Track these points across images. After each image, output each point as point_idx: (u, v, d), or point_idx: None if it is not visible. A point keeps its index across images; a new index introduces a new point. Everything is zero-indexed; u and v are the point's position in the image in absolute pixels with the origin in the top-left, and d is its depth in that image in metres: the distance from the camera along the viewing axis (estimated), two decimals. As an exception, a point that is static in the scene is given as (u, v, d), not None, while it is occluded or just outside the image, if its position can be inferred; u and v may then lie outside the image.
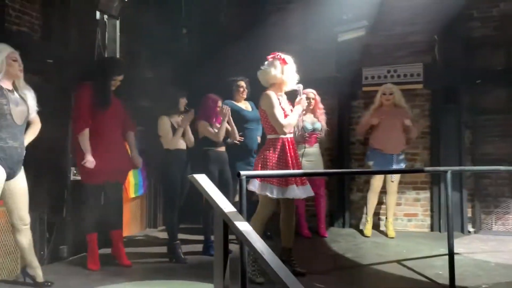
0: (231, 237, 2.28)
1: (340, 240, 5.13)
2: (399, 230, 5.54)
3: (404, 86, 5.58)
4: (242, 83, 4.82)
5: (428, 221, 5.61)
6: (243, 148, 4.72)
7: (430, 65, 5.57)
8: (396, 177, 5.25)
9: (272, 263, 1.92)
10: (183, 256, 4.18)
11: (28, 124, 3.35)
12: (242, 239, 2.13)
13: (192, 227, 5.16)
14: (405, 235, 5.30)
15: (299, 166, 3.65)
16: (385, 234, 5.32)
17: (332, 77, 5.80)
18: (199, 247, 4.50)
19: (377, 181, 5.26)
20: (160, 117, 4.31)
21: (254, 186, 3.46)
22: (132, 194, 5.23)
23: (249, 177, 2.45)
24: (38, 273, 3.38)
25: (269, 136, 3.59)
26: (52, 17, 4.17)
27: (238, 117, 4.69)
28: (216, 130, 4.42)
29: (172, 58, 5.47)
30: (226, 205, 2.27)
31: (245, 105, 4.89)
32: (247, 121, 4.77)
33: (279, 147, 3.51)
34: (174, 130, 4.29)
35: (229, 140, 4.59)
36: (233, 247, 3.35)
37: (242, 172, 2.34)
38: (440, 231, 5.42)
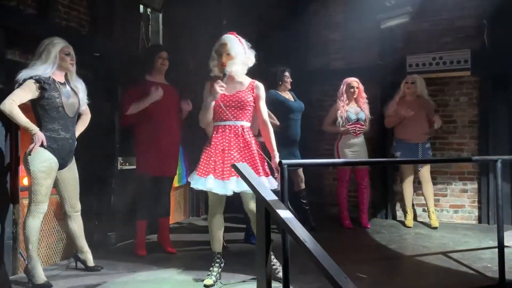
0: (271, 226, 2.30)
1: (383, 231, 5.06)
2: (445, 221, 5.41)
3: (451, 73, 5.43)
4: (287, 73, 4.82)
5: (475, 212, 5.43)
6: (287, 138, 4.74)
7: (478, 51, 5.35)
8: (426, 165, 5.14)
9: (315, 252, 1.92)
10: (225, 244, 4.25)
11: (79, 116, 3.50)
12: (284, 227, 2.15)
13: (234, 216, 5.23)
14: (450, 227, 5.17)
15: (225, 158, 3.17)
16: (428, 225, 5.20)
17: (375, 65, 5.70)
18: (240, 235, 4.58)
19: (406, 171, 5.20)
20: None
21: (198, 182, 3.19)
22: (176, 183, 5.36)
23: (291, 166, 2.46)
24: (89, 257, 3.55)
25: None
26: (98, 12, 4.31)
27: (283, 107, 4.70)
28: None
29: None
30: (267, 193, 2.29)
31: (287, 95, 4.88)
32: (292, 111, 4.77)
33: (215, 135, 3.22)
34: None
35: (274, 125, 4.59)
36: (274, 236, 3.37)
37: (284, 161, 2.35)
38: (488, 223, 5.25)
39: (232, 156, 3.14)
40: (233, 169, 2.94)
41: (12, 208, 3.44)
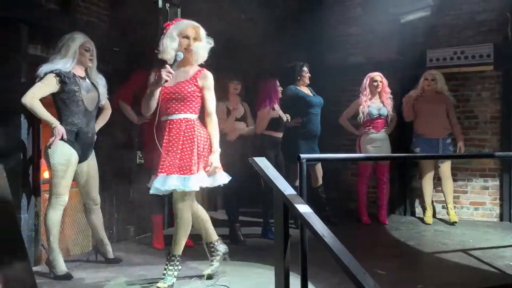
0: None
1: (401, 227, 5.00)
2: (465, 219, 5.32)
3: (472, 68, 5.33)
4: (306, 69, 4.79)
5: (497, 210, 5.32)
6: (307, 133, 4.73)
7: (501, 45, 5.23)
8: (446, 161, 5.06)
9: (334, 247, 1.92)
10: (242, 238, 4.27)
11: (99, 111, 3.54)
12: (302, 222, 2.14)
13: (251, 211, 5.24)
14: (471, 224, 5.09)
15: (180, 152, 2.94)
16: (447, 222, 5.13)
17: (395, 60, 5.62)
18: (258, 230, 4.58)
19: (426, 167, 5.12)
20: (216, 103, 4.38)
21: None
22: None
23: (309, 160, 2.44)
24: (109, 250, 3.60)
25: None
26: (117, 6, 4.34)
27: (303, 102, 4.69)
28: (279, 112, 4.43)
29: (231, 44, 5.51)
30: (286, 188, 2.29)
31: (306, 90, 4.86)
32: (311, 106, 4.75)
33: (166, 130, 3.00)
34: (229, 114, 4.35)
35: (288, 123, 4.57)
36: (291, 231, 3.36)
37: (302, 156, 2.33)
38: (510, 221, 5.16)
39: (165, 153, 2.93)
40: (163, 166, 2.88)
41: (34, 201, 3.51)
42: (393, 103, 5.10)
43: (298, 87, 4.80)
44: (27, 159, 3.47)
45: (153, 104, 2.93)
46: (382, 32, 5.58)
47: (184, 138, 2.93)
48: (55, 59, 3.27)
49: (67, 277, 3.19)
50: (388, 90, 5.04)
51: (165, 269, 3.00)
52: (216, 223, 5.13)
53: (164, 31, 2.97)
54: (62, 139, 3.21)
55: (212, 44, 3.05)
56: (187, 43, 2.95)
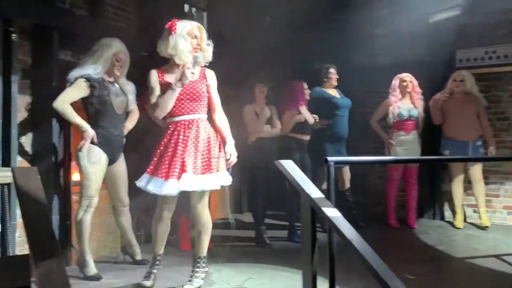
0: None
1: (430, 231, 4.90)
2: (497, 223, 5.17)
3: (504, 68, 5.18)
4: (333, 70, 4.77)
5: (531, 215, 5.16)
6: (333, 135, 4.70)
7: (535, 44, 5.07)
8: (476, 164, 4.93)
9: (363, 251, 1.89)
10: (268, 241, 4.26)
11: (127, 114, 3.60)
12: (330, 226, 2.12)
13: (277, 213, 5.23)
14: (504, 229, 4.94)
15: (184, 154, 2.85)
16: (478, 226, 5.00)
17: (423, 61, 5.50)
18: (284, 233, 4.56)
19: (456, 170, 5.00)
20: (244, 106, 4.40)
21: (142, 180, 2.93)
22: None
23: (337, 163, 2.42)
24: (137, 251, 3.65)
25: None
26: (145, 12, 4.41)
27: (329, 104, 4.66)
28: (305, 116, 4.41)
29: (257, 48, 5.53)
30: (313, 191, 2.27)
31: (333, 92, 4.84)
32: (338, 108, 4.72)
33: (166, 132, 2.93)
34: (257, 116, 4.35)
35: (316, 122, 4.54)
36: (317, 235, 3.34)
37: (329, 158, 2.31)
38: (545, 226, 4.98)
39: (187, 153, 2.84)
40: (183, 166, 2.79)
41: (65, 203, 3.59)
42: (425, 104, 4.99)
43: (325, 89, 4.78)
44: (58, 162, 3.56)
45: (171, 105, 2.88)
46: (410, 32, 5.48)
47: (202, 138, 2.89)
48: (86, 62, 3.34)
49: (97, 277, 3.25)
50: (418, 90, 4.96)
51: (192, 272, 3.03)
52: (242, 225, 5.19)
53: (172, 32, 2.86)
54: (92, 142, 3.28)
55: (212, 46, 3.02)
56: (196, 43, 2.94)
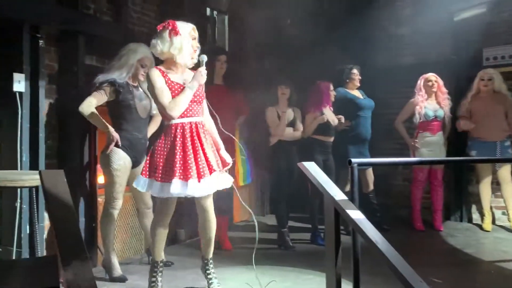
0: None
1: (457, 234, 4.79)
2: (528, 226, 5.01)
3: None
4: (356, 71, 4.73)
5: None
6: (356, 137, 4.65)
7: None
8: (504, 165, 4.79)
9: (388, 254, 1.86)
10: (291, 244, 4.25)
11: (151, 118, 3.64)
12: (354, 228, 2.10)
13: (300, 216, 5.21)
14: (535, 233, 4.79)
15: (196, 157, 2.81)
16: (508, 229, 4.86)
17: (448, 60, 5.41)
18: (307, 236, 4.54)
19: (483, 172, 4.87)
20: (267, 108, 4.40)
21: (138, 182, 2.89)
22: (240, 183, 5.41)
23: (360, 165, 2.39)
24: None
25: (164, 123, 3.00)
26: (167, 16, 4.45)
27: (352, 105, 4.62)
28: (327, 117, 4.39)
29: (278, 49, 5.54)
30: (337, 193, 2.25)
31: (357, 93, 4.79)
32: (362, 109, 4.67)
33: (171, 134, 2.84)
34: (279, 118, 4.34)
35: (340, 123, 4.50)
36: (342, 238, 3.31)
37: (353, 160, 2.29)
38: None
39: (207, 152, 2.85)
40: (209, 166, 2.80)
41: (90, 205, 3.65)
42: (451, 104, 4.89)
43: (347, 90, 4.73)
44: (84, 165, 3.62)
45: (187, 104, 2.85)
46: (434, 31, 5.39)
47: (205, 140, 2.89)
48: (112, 67, 3.39)
49: (122, 279, 3.30)
50: (444, 90, 4.86)
51: (208, 275, 3.04)
52: (264, 228, 5.18)
53: (176, 32, 2.83)
54: (116, 145, 3.33)
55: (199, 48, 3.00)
56: (196, 45, 2.94)
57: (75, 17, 3.51)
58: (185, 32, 2.87)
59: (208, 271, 3.06)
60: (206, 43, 4.89)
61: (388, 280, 2.92)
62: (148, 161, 2.89)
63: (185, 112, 2.86)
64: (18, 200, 3.09)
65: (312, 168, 2.44)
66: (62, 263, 1.41)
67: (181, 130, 2.83)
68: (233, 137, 4.20)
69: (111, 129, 3.32)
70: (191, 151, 2.80)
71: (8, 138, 3.15)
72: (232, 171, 5.07)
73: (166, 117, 2.87)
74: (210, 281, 3.04)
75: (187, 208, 4.43)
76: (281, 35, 5.85)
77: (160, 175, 2.79)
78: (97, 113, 3.28)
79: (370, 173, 4.84)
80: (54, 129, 3.53)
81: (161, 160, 2.82)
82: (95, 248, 3.66)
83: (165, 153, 2.82)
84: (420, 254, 3.91)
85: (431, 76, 4.83)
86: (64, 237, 1.52)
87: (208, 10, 4.98)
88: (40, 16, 3.25)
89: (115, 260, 3.35)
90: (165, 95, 2.81)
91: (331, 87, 4.51)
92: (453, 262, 3.84)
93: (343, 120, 4.50)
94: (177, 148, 2.79)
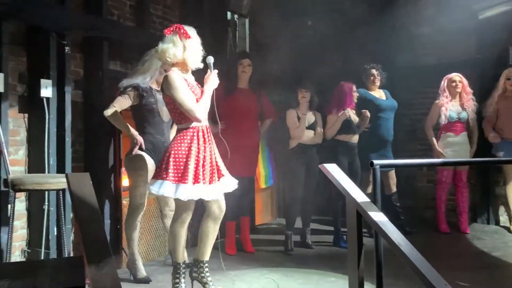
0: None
1: (484, 237, 4.68)
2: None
3: None
4: (374, 71, 4.68)
5: None
6: (378, 138, 4.60)
7: None
8: None
9: (412, 256, 1.84)
10: (290, 247, 4.22)
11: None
12: (377, 230, 2.08)
13: (323, 218, 5.18)
14: None
15: (211, 161, 2.90)
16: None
17: (472, 59, 5.30)
18: (330, 238, 4.52)
19: (511, 173, 4.75)
20: (287, 110, 4.40)
21: (152, 185, 2.86)
22: (262, 185, 5.43)
23: (382, 166, 2.37)
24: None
25: (178, 126, 2.95)
26: (189, 20, 4.51)
27: (372, 106, 4.57)
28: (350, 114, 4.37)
29: (299, 51, 5.53)
30: (359, 195, 2.23)
31: (378, 94, 4.74)
32: (382, 110, 4.62)
33: (188, 138, 2.84)
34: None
35: (363, 122, 4.47)
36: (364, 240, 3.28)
37: (375, 162, 2.27)
38: None
39: (216, 157, 2.97)
40: (219, 171, 2.90)
41: (115, 207, 3.73)
42: (477, 105, 4.79)
43: (368, 90, 4.69)
44: (109, 168, 3.70)
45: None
46: (458, 30, 5.29)
47: (214, 144, 2.97)
48: (137, 72, 3.45)
49: (146, 280, 3.35)
50: (469, 90, 4.75)
51: (202, 278, 2.98)
52: (274, 230, 5.17)
53: (186, 36, 2.85)
54: (140, 148, 3.38)
55: None
56: (201, 49, 2.97)
57: (99, 23, 3.58)
58: (194, 35, 2.91)
59: (202, 274, 2.99)
60: (227, 47, 4.93)
61: (412, 284, 2.89)
62: (163, 164, 2.85)
63: (187, 117, 2.88)
64: (46, 203, 3.17)
65: (334, 170, 2.43)
66: (88, 263, 1.44)
67: (197, 134, 2.86)
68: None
69: (135, 133, 3.38)
70: (206, 155, 2.85)
71: (36, 142, 3.24)
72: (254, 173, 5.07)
73: (188, 119, 2.85)
74: (206, 285, 2.97)
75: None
76: (302, 36, 5.84)
77: (174, 177, 2.79)
78: (122, 117, 3.35)
79: (392, 175, 4.78)
80: (80, 133, 3.61)
81: (177, 163, 2.80)
82: (120, 250, 3.72)
83: (181, 156, 2.81)
84: (446, 257, 3.84)
85: (455, 76, 4.74)
86: (90, 238, 1.56)
87: (228, 14, 5.01)
88: (66, 24, 3.34)
89: (139, 262, 3.40)
90: (190, 98, 2.82)
91: (354, 88, 4.48)
92: (480, 265, 3.75)
93: (368, 114, 4.43)
94: (193, 151, 2.81)
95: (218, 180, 2.93)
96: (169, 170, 2.80)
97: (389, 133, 4.65)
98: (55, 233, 3.20)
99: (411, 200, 5.51)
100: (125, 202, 3.74)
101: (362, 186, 4.38)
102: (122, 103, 3.36)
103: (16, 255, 3.16)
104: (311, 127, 4.37)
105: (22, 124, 3.24)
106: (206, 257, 3.03)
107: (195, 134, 2.85)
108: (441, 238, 4.71)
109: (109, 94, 3.56)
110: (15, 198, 2.88)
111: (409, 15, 5.79)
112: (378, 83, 4.71)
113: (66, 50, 3.35)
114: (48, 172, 3.20)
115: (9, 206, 2.89)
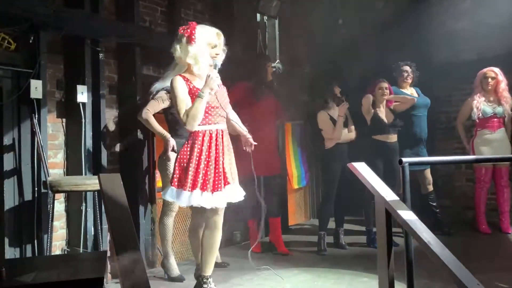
0: (396, 229, 2.20)
1: (528, 237, 4.49)
2: None
3: None
4: (407, 68, 4.59)
5: None
6: (412, 136, 4.51)
7: None
8: None
9: (442, 255, 1.79)
10: (323, 248, 4.18)
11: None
12: (406, 229, 2.04)
13: (357, 219, 5.12)
14: None
15: (217, 167, 2.72)
16: None
17: (511, 53, 5.09)
18: (363, 238, 4.46)
19: None
20: (318, 112, 4.36)
21: (163, 190, 2.85)
22: (295, 185, 5.43)
23: (412, 164, 2.32)
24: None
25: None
26: (219, 23, 4.57)
27: None
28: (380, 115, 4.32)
29: (330, 51, 5.48)
30: (388, 193, 2.20)
31: (410, 91, 4.65)
32: (416, 108, 4.52)
33: (191, 142, 2.73)
34: (334, 122, 4.29)
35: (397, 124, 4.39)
36: (399, 240, 3.22)
37: (404, 159, 2.22)
38: None
39: (225, 164, 2.75)
40: (225, 178, 2.72)
41: (150, 208, 3.82)
42: None
43: (400, 88, 4.60)
44: (144, 170, 3.80)
45: (203, 114, 2.69)
46: (496, 23, 5.09)
47: (228, 149, 2.81)
48: (168, 76, 3.52)
49: (180, 279, 3.42)
50: (504, 86, 4.57)
51: None
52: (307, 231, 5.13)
53: (192, 41, 2.74)
54: (173, 150, 3.46)
55: (226, 51, 2.92)
56: (215, 52, 2.81)
57: (131, 30, 3.69)
58: (202, 40, 2.75)
59: None
60: (257, 48, 4.95)
61: (447, 284, 2.81)
62: (173, 169, 2.82)
63: (207, 120, 2.73)
64: (83, 204, 3.30)
65: (362, 169, 2.40)
66: (118, 259, 1.50)
67: (201, 138, 2.71)
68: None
69: (168, 135, 3.46)
70: (209, 161, 2.70)
71: (74, 145, 3.37)
72: (286, 174, 5.09)
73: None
74: None
75: (242, 212, 4.52)
76: (333, 36, 5.79)
77: (175, 183, 2.72)
78: (155, 120, 3.43)
79: (428, 174, 4.65)
80: (116, 137, 3.73)
81: (181, 168, 2.72)
82: (154, 249, 3.81)
83: (185, 161, 2.71)
84: (486, 258, 3.71)
85: (489, 71, 4.57)
86: (120, 236, 1.61)
87: (258, 15, 5.04)
88: (100, 31, 3.47)
89: (173, 261, 3.48)
90: (183, 107, 2.68)
91: (387, 85, 4.39)
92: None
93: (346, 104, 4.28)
94: (195, 157, 2.68)
95: (224, 188, 2.71)
96: (174, 176, 2.75)
97: (423, 131, 4.55)
98: (93, 233, 3.32)
99: (450, 199, 5.36)
100: (160, 202, 3.83)
101: (398, 186, 4.29)
102: (154, 106, 3.44)
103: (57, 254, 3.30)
104: (344, 125, 4.33)
105: (60, 128, 3.39)
106: (207, 271, 2.84)
107: (200, 138, 2.71)
108: (481, 238, 4.55)
109: (143, 98, 3.66)
110: (54, 199, 3.02)
111: (446, 9, 5.64)
112: (410, 81, 4.61)
113: (100, 57, 3.47)
114: (85, 174, 3.32)
115: (49, 206, 3.02)
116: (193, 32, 2.75)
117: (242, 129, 3.04)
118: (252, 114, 3.98)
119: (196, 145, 2.70)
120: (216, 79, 2.68)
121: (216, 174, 2.71)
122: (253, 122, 3.95)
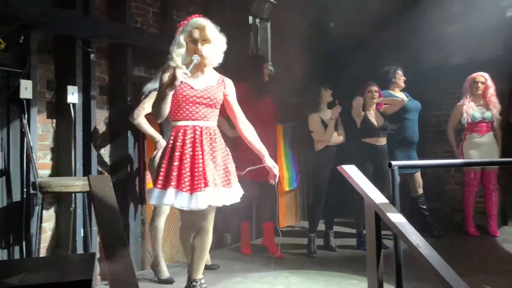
0: (385, 232, 2.22)
1: (515, 240, 4.54)
2: None
3: None
4: (400, 71, 4.63)
5: None
6: (403, 140, 4.55)
7: None
8: None
9: (430, 257, 1.81)
10: (312, 250, 4.19)
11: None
12: (396, 232, 2.06)
13: (346, 221, 5.14)
14: None
15: (196, 165, 2.52)
16: None
17: (500, 57, 5.16)
18: (353, 241, 4.47)
19: None
20: (309, 114, 4.37)
21: (165, 196, 2.56)
22: (286, 188, 5.44)
23: (401, 167, 2.34)
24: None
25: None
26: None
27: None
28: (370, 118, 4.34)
29: (321, 53, 5.52)
30: (377, 196, 2.21)
31: (401, 95, 4.68)
32: (407, 111, 4.56)
33: (171, 138, 2.59)
34: (325, 125, 4.30)
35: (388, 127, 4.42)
36: (388, 243, 3.24)
37: (393, 162, 2.24)
38: None
39: (206, 163, 2.54)
40: (205, 179, 2.49)
41: (140, 209, 3.81)
42: (501, 105, 4.65)
43: (392, 92, 4.64)
44: (134, 171, 3.78)
45: (167, 108, 2.54)
46: (485, 28, 5.15)
47: (219, 148, 2.64)
48: (159, 77, 3.51)
49: (170, 281, 3.40)
50: (493, 91, 4.62)
51: None
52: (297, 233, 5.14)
53: (177, 31, 2.69)
54: (163, 152, 3.44)
55: (224, 45, 2.73)
56: (195, 48, 2.61)
57: (123, 31, 3.68)
58: (179, 37, 2.64)
59: None
60: (249, 51, 4.96)
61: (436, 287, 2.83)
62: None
63: (189, 114, 2.59)
64: (73, 205, 3.27)
65: (352, 171, 2.42)
66: (106, 260, 1.49)
67: (182, 134, 2.56)
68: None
69: (158, 136, 3.45)
70: (188, 159, 2.52)
71: (63, 146, 3.35)
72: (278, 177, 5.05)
73: (173, 117, 2.64)
74: None
75: (233, 214, 4.51)
76: (325, 38, 5.82)
77: (158, 182, 2.53)
78: (146, 121, 3.42)
79: (418, 177, 4.69)
80: (106, 138, 3.71)
81: (162, 166, 2.56)
82: (144, 251, 3.79)
83: (166, 158, 2.56)
84: (474, 260, 3.75)
85: (479, 76, 4.63)
86: (109, 237, 1.61)
87: (250, 18, 5.05)
88: (91, 32, 3.45)
89: (163, 263, 3.46)
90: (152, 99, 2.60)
91: (377, 88, 4.42)
92: (509, 269, 3.64)
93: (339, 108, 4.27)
94: (175, 154, 2.53)
95: (203, 189, 2.49)
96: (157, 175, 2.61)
97: (415, 134, 4.59)
98: (82, 235, 3.30)
99: (440, 202, 5.41)
100: (150, 204, 3.81)
101: (387, 189, 4.31)
102: (146, 107, 3.42)
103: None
104: (334, 127, 4.34)
105: (50, 129, 3.36)
106: (197, 274, 2.75)
107: (174, 133, 2.58)
108: (470, 241, 4.59)
109: (134, 99, 3.64)
110: (43, 200, 3.00)
111: (435, 13, 5.69)
112: (402, 84, 4.66)
113: (92, 57, 3.46)
114: (75, 175, 3.30)
115: (38, 208, 3.00)
116: (183, 23, 2.70)
117: (257, 148, 2.81)
118: (250, 116, 3.98)
119: (170, 141, 2.59)
120: (182, 77, 2.42)
121: (196, 174, 2.51)
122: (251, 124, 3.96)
